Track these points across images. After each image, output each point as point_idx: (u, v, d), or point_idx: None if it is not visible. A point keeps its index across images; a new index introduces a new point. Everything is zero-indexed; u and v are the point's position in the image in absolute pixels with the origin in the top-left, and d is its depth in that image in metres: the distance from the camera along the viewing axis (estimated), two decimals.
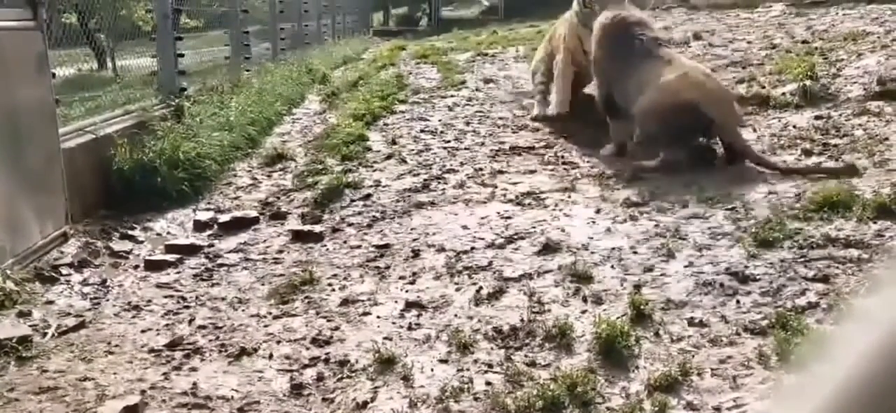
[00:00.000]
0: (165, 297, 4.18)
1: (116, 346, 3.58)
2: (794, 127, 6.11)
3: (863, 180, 4.71)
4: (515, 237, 4.60)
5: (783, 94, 6.82)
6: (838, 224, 4.15)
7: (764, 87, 7.14)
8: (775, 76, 7.37)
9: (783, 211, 4.43)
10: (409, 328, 3.59)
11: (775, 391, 2.82)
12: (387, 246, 4.69)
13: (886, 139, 5.37)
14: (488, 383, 3.06)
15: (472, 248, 4.50)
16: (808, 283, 3.59)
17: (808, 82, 6.81)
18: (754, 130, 6.18)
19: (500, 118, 7.92)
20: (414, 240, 4.75)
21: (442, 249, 4.54)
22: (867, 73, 6.85)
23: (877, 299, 0.56)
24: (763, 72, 7.73)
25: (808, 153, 5.44)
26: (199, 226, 5.33)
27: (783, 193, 4.75)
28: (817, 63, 7.48)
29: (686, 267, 3.94)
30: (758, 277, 3.71)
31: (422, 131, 7.59)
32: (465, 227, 4.86)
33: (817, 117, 6.13)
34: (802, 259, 3.83)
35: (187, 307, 4.02)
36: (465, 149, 6.85)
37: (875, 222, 4.10)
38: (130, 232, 5.19)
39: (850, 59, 7.36)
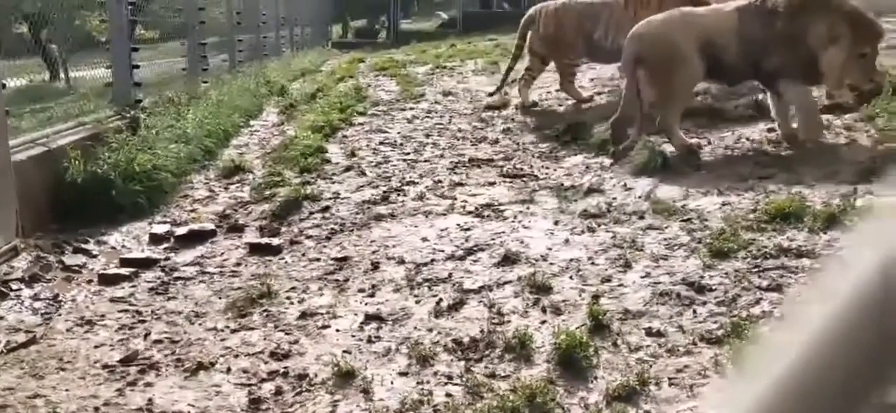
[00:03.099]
0: (120, 311, 4.11)
1: (69, 362, 3.50)
2: (748, 139, 6.22)
3: (813, 191, 4.81)
4: (475, 249, 4.61)
5: (736, 107, 6.95)
6: (790, 234, 4.24)
7: (718, 101, 7.27)
8: (729, 90, 7.50)
9: (737, 222, 4.50)
10: (369, 341, 3.57)
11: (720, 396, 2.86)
12: (346, 258, 4.67)
13: (835, 151, 5.49)
14: (448, 395, 3.05)
15: (432, 260, 4.50)
16: (762, 293, 3.65)
17: (760, 96, 6.95)
18: (708, 142, 6.28)
19: (460, 130, 7.95)
20: (373, 252, 4.73)
21: (401, 261, 4.53)
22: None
23: (810, 306, 0.59)
24: (718, 86, 7.86)
25: (760, 165, 5.54)
26: (155, 239, 5.25)
27: (737, 204, 4.83)
28: None
29: (643, 277, 3.98)
30: (713, 287, 3.77)
31: (381, 143, 7.59)
32: (424, 240, 4.86)
33: (770, 130, 6.25)
34: (756, 269, 3.90)
35: (143, 321, 3.96)
36: (425, 161, 6.86)
37: (825, 232, 4.19)
38: (84, 246, 5.09)
39: None
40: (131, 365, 3.45)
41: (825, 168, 5.20)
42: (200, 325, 3.88)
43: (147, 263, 4.79)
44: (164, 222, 5.58)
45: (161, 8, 10.21)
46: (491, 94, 9.06)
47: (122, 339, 3.75)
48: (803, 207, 4.47)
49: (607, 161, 6.24)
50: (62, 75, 9.40)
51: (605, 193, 5.46)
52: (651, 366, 3.14)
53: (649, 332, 3.42)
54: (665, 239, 4.47)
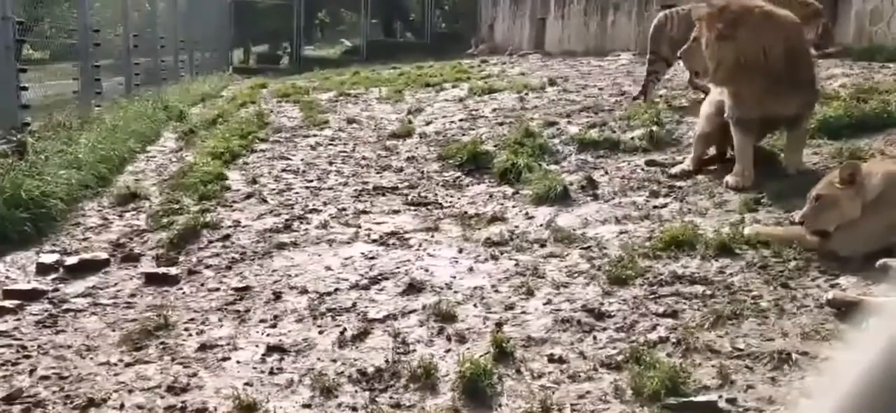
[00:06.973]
0: (2, 346, 3.88)
1: None
2: (642, 169, 6.44)
3: (704, 220, 5.02)
4: (380, 277, 4.60)
5: (632, 138, 7.19)
6: (684, 262, 4.40)
7: (614, 132, 7.51)
8: (625, 122, 7.77)
9: (634, 250, 4.64)
10: (271, 373, 3.50)
11: None
12: (247, 288, 4.57)
13: (725, 181, 5.74)
14: None
15: (336, 290, 4.46)
16: (658, 319, 3.77)
17: (654, 128, 7.23)
18: (606, 172, 6.48)
19: (364, 158, 7.93)
20: (275, 282, 4.65)
21: (305, 291, 4.47)
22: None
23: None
24: (613, 117, 8.14)
25: (655, 194, 5.74)
26: (43, 269, 5.01)
27: (634, 233, 4.99)
28: (662, 110, 7.99)
29: (545, 305, 4.05)
30: (612, 314, 3.87)
31: (283, 170, 7.49)
32: (328, 268, 4.81)
33: (660, 160, 6.49)
34: (653, 296, 4.03)
35: (28, 357, 3.75)
36: (329, 188, 6.80)
37: (717, 260, 4.37)
38: None
39: (692, 107, 7.87)
40: (14, 404, 3.27)
41: (715, 198, 5.43)
42: (92, 359, 3.71)
43: (34, 295, 4.55)
44: (54, 251, 5.32)
45: (51, 27, 9.82)
46: (635, 99, 8.91)
47: (5, 376, 3.55)
48: (696, 236, 4.65)
49: (509, 190, 6.34)
50: None
51: (508, 222, 5.54)
52: (554, 392, 3.20)
53: (551, 359, 3.47)
54: (566, 266, 4.57)
